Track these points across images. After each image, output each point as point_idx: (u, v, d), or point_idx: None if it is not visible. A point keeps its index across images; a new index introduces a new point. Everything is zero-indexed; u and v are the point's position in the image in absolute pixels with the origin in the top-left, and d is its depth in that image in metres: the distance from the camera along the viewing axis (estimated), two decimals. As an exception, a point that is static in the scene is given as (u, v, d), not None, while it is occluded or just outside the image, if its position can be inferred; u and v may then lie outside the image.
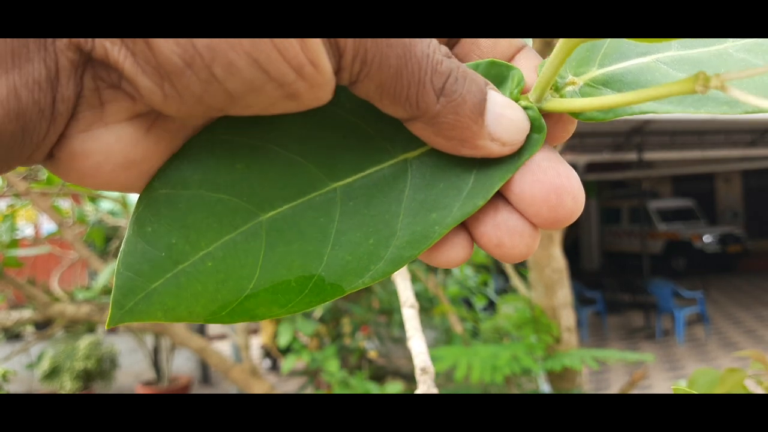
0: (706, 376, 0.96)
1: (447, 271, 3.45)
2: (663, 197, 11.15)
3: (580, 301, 6.44)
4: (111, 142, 0.23)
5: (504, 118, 0.25)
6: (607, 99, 0.25)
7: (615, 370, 5.38)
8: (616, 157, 7.91)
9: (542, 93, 0.26)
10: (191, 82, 0.21)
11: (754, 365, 0.90)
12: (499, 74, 0.27)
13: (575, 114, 0.27)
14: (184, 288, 0.25)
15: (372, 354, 3.79)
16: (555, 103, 0.27)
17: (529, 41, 0.29)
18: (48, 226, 3.43)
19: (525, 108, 0.26)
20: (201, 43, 0.21)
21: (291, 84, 0.22)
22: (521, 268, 3.06)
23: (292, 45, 0.21)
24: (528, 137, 0.26)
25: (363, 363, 3.61)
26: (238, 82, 0.22)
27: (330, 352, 2.95)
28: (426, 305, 3.30)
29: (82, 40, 0.21)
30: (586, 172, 9.31)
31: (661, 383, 4.96)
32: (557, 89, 0.27)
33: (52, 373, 4.82)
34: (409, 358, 3.85)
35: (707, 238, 9.76)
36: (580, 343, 3.49)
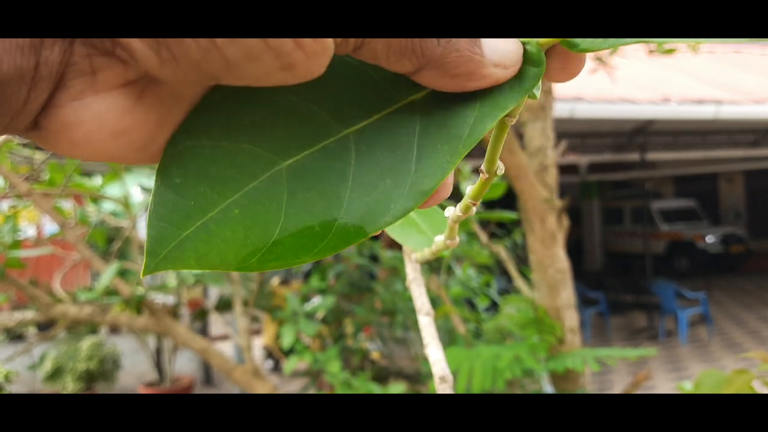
0: (712, 377, 0.96)
1: (450, 272, 3.44)
2: (665, 198, 11.14)
3: (583, 302, 6.44)
4: (102, 110, 0.23)
5: (498, 43, 0.26)
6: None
7: (618, 370, 5.37)
8: (619, 158, 7.91)
9: None
10: (190, 48, 0.21)
11: (761, 367, 0.89)
12: None
13: (570, 45, 0.26)
14: (214, 235, 0.26)
15: (375, 355, 3.79)
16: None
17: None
18: (50, 227, 3.43)
19: (524, 42, 0.27)
20: None
21: (289, 54, 0.22)
22: (524, 268, 3.06)
23: None
24: (527, 70, 0.27)
25: (365, 364, 3.61)
26: (238, 49, 0.22)
27: (332, 353, 2.94)
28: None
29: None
30: (588, 172, 9.32)
31: (664, 384, 4.95)
32: None
33: (55, 374, 4.82)
34: (411, 359, 3.84)
35: (710, 239, 9.75)
36: (583, 344, 3.49)
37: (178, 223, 0.26)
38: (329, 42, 0.23)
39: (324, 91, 0.27)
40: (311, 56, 0.23)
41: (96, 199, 2.64)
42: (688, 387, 1.14)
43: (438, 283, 2.96)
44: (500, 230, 3.88)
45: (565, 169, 7.68)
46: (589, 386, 2.76)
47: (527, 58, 0.27)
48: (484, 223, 3.11)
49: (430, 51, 0.24)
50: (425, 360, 3.03)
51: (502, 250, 3.00)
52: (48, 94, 0.22)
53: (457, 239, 0.43)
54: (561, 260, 2.66)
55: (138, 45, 0.21)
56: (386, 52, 0.24)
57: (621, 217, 10.75)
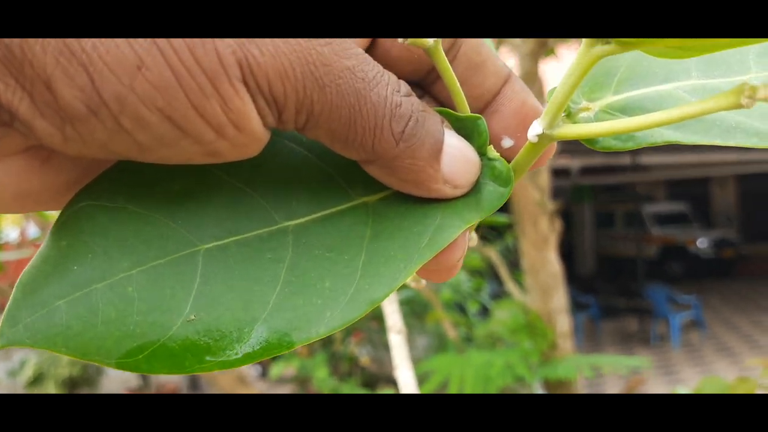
0: (713, 385, 0.92)
1: (440, 276, 3.41)
2: (658, 201, 11.18)
3: (575, 306, 6.43)
4: (0, 175, 0.22)
5: (458, 160, 0.24)
6: (629, 122, 0.23)
7: (611, 375, 5.35)
8: (611, 161, 7.94)
9: (554, 119, 0.24)
10: (96, 129, 0.20)
11: (764, 373, 0.85)
12: (462, 128, 0.25)
13: (590, 142, 0.25)
14: (94, 312, 0.21)
15: (364, 360, 3.75)
16: (568, 129, 0.25)
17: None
18: (34, 229, 3.39)
19: (493, 159, 0.26)
20: (108, 93, 0.19)
21: (210, 143, 0.21)
22: (516, 272, 3.03)
23: (211, 105, 0.20)
24: (493, 189, 0.25)
25: (354, 370, 3.56)
26: (149, 136, 0.20)
27: (320, 359, 2.90)
28: (419, 310, 3.26)
29: None
30: (580, 175, 9.35)
31: (656, 388, 4.94)
32: (570, 115, 0.26)
33: (37, 380, 4.78)
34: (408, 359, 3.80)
35: (702, 243, 9.79)
36: (575, 349, 3.46)
37: (53, 290, 0.21)
38: (258, 132, 0.21)
39: (265, 175, 0.24)
40: (238, 146, 0.21)
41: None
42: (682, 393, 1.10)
43: (428, 287, 2.92)
44: (492, 233, 3.85)
45: (557, 173, 7.70)
46: (582, 391, 2.73)
47: (495, 175, 0.25)
48: (475, 227, 3.07)
49: (384, 150, 0.23)
50: (416, 365, 2.99)
51: (493, 254, 2.97)
52: None
53: (423, 282, 0.40)
54: (553, 264, 2.63)
55: (40, 123, 0.20)
56: (330, 140, 0.22)
57: (613, 221, 10.77)
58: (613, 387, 5.02)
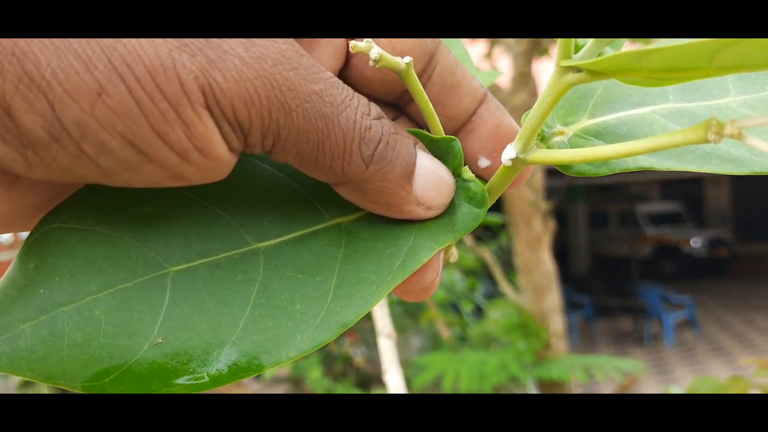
0: (706, 384, 0.92)
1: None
2: (651, 201, 11.21)
3: (569, 306, 6.44)
4: None
5: (431, 182, 0.24)
6: (602, 150, 0.23)
7: (604, 376, 5.36)
8: (605, 161, 7.93)
9: (527, 143, 0.25)
10: (58, 155, 0.20)
11: (758, 373, 0.85)
12: (437, 149, 0.26)
13: (564, 167, 0.25)
14: (60, 335, 0.21)
15: (358, 361, 3.74)
16: (541, 154, 0.25)
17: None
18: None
19: (468, 181, 0.26)
20: (68, 119, 0.19)
21: (175, 167, 0.20)
22: (510, 272, 3.03)
23: (174, 131, 0.20)
24: (468, 210, 0.25)
25: (349, 370, 3.56)
26: (112, 161, 0.20)
27: (314, 360, 2.89)
28: (413, 310, 3.26)
29: None
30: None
31: (649, 387, 4.94)
32: (544, 139, 0.26)
33: (29, 381, 4.74)
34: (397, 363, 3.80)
35: (695, 242, 9.81)
36: (570, 348, 3.46)
37: (18, 312, 0.21)
38: (224, 156, 0.21)
39: (237, 196, 0.24)
40: (203, 170, 0.21)
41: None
42: (675, 392, 1.10)
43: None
44: (486, 233, 3.85)
45: (550, 172, 7.71)
46: (576, 390, 2.73)
47: (470, 197, 0.25)
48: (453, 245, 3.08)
49: (353, 173, 0.23)
50: (409, 365, 2.99)
51: (487, 254, 2.97)
52: None
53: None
54: (546, 263, 2.64)
55: (1, 149, 0.19)
56: (299, 163, 0.22)
57: (607, 221, 10.79)
58: (606, 386, 5.03)
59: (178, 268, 0.23)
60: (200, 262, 0.23)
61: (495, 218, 2.62)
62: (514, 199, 2.61)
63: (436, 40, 0.26)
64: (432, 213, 0.25)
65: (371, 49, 0.23)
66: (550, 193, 3.93)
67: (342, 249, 0.24)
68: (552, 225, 2.70)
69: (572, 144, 0.26)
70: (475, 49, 3.67)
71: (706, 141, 0.19)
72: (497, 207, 2.95)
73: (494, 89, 2.90)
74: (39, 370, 0.20)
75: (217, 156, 0.21)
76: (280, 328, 0.22)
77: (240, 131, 0.21)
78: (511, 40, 2.73)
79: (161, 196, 0.23)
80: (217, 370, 0.22)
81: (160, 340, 0.21)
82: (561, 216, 10.14)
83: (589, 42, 0.23)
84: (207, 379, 0.21)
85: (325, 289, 0.23)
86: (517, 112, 2.67)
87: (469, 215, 0.25)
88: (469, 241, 2.97)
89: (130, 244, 0.22)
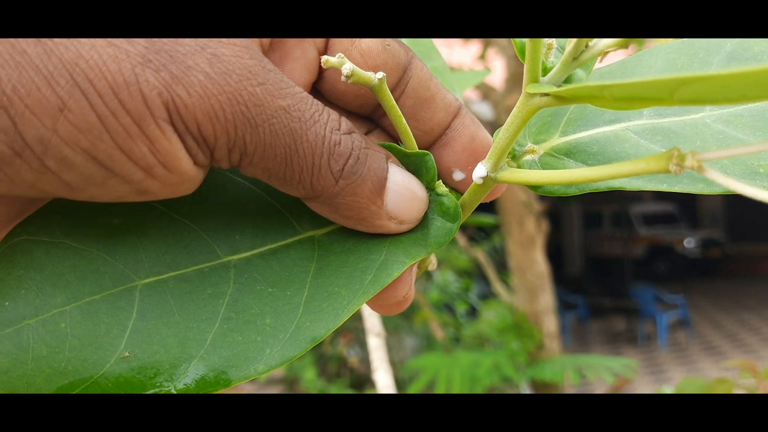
0: (693, 385, 0.93)
1: (428, 277, 3.41)
2: (645, 201, 11.22)
3: (563, 306, 6.45)
4: None
5: (403, 196, 0.24)
6: (569, 174, 0.23)
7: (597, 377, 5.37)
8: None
9: (497, 162, 0.24)
10: (22, 170, 0.20)
11: (742, 375, 0.86)
12: (410, 163, 0.25)
13: (534, 187, 0.25)
14: (25, 348, 0.21)
15: (353, 361, 3.74)
16: (511, 174, 0.25)
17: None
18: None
19: (441, 195, 0.26)
20: (31, 135, 0.19)
21: (140, 182, 0.20)
22: (504, 272, 3.03)
23: (137, 146, 0.20)
24: (441, 225, 0.25)
25: (343, 371, 3.56)
26: (76, 176, 0.20)
27: (308, 360, 2.89)
28: (407, 311, 3.26)
29: None
30: (568, 176, 9.33)
31: (643, 387, 4.95)
32: (515, 158, 0.26)
33: None
34: (392, 364, 3.79)
35: (689, 243, 9.82)
36: (564, 349, 3.47)
37: None
38: (189, 171, 0.21)
39: (208, 208, 0.23)
40: (169, 185, 0.21)
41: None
42: (668, 392, 1.11)
43: (416, 287, 2.92)
44: (480, 234, 3.86)
45: (545, 173, 7.69)
46: (569, 391, 2.74)
47: (443, 211, 0.25)
48: (463, 227, 3.08)
49: (323, 188, 0.23)
50: (403, 366, 2.99)
51: (481, 255, 2.97)
52: None
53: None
54: (540, 264, 2.64)
55: None
56: (268, 178, 0.22)
57: (601, 221, 10.80)
58: (599, 386, 5.04)
59: (147, 281, 0.22)
60: (169, 275, 0.23)
61: (488, 219, 2.62)
62: (507, 200, 2.62)
63: (410, 53, 0.26)
64: (404, 227, 0.25)
65: (343, 64, 0.23)
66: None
67: (314, 262, 0.24)
68: (545, 226, 2.71)
69: (543, 162, 0.26)
70: (468, 50, 3.68)
71: (668, 171, 0.19)
72: (491, 208, 2.96)
73: (488, 90, 2.91)
74: (2, 384, 0.20)
75: (182, 171, 0.21)
76: (249, 343, 0.22)
77: (205, 146, 0.21)
78: (505, 41, 2.73)
79: (131, 209, 0.23)
80: (184, 384, 0.21)
81: (127, 354, 0.21)
82: (555, 217, 10.14)
83: (557, 65, 0.23)
84: (174, 393, 0.21)
85: (295, 303, 0.23)
86: (508, 112, 2.68)
87: (443, 229, 0.25)
88: (462, 241, 2.98)
89: (98, 256, 0.22)
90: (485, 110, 3.38)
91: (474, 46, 3.46)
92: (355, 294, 0.23)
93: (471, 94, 3.38)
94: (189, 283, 0.23)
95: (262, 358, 0.22)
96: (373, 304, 0.26)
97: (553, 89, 0.21)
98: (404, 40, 0.40)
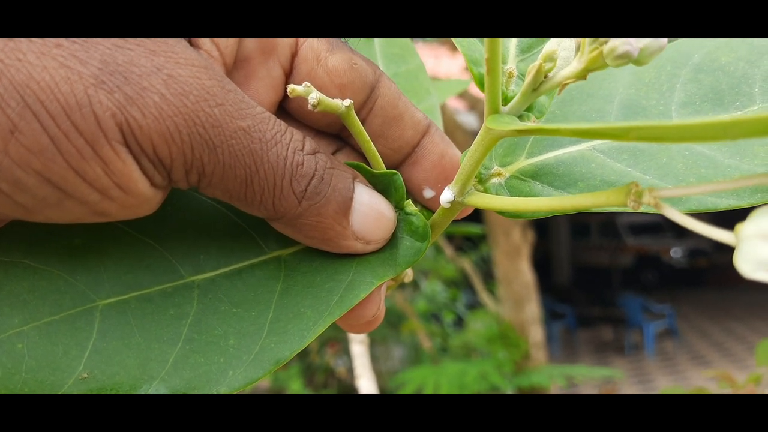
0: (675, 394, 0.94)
1: (416, 287, 3.41)
2: (632, 211, 11.25)
3: (551, 316, 6.46)
4: None
5: (369, 217, 0.24)
6: (534, 202, 0.23)
7: (585, 383, 5.38)
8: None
9: (464, 185, 0.24)
10: None
11: (721, 385, 0.87)
12: (378, 183, 0.25)
13: (500, 212, 0.25)
14: None
15: (340, 371, 3.73)
16: (477, 199, 0.25)
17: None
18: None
19: (410, 214, 0.25)
20: None
21: (96, 204, 0.20)
22: (491, 282, 3.04)
23: (91, 168, 0.19)
24: (410, 244, 0.25)
25: (330, 381, 3.55)
26: (29, 198, 0.19)
27: (294, 371, 2.88)
28: (394, 321, 3.26)
29: None
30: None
31: (631, 397, 4.96)
32: (481, 181, 0.26)
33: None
34: (380, 375, 3.80)
35: (675, 253, 9.87)
36: (551, 358, 3.48)
37: None
38: (145, 193, 0.21)
39: (172, 227, 0.23)
40: (126, 207, 0.21)
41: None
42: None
43: (403, 297, 2.92)
44: (467, 243, 3.87)
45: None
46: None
47: (412, 230, 0.25)
48: (450, 237, 3.09)
49: (285, 209, 0.22)
50: (392, 376, 2.99)
51: (467, 265, 2.98)
52: None
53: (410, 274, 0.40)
54: (526, 274, 2.65)
55: None
56: (229, 198, 0.22)
57: (588, 231, 10.84)
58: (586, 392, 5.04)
59: (108, 301, 0.22)
60: (131, 295, 0.22)
61: (475, 228, 2.63)
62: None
63: (378, 71, 0.26)
64: (371, 247, 0.25)
65: (310, 93, 0.23)
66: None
67: (280, 282, 0.24)
68: (531, 236, 2.72)
69: (509, 186, 0.26)
70: (456, 61, 3.70)
71: (626, 206, 0.20)
72: (477, 217, 2.96)
73: (475, 100, 2.92)
74: None
75: (138, 192, 0.21)
76: (212, 364, 0.22)
77: (162, 167, 0.20)
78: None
79: (93, 229, 0.23)
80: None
81: (86, 375, 0.21)
82: (542, 227, 10.18)
83: (517, 95, 0.23)
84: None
85: (260, 324, 0.22)
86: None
87: (411, 249, 0.25)
88: (449, 251, 2.99)
89: (59, 276, 0.22)
90: (471, 120, 3.39)
91: (462, 56, 3.46)
92: (321, 315, 0.23)
93: (458, 104, 3.39)
94: (151, 304, 0.22)
95: (224, 380, 0.21)
96: (343, 323, 0.26)
97: (512, 126, 0.21)
98: (381, 40, 0.40)
